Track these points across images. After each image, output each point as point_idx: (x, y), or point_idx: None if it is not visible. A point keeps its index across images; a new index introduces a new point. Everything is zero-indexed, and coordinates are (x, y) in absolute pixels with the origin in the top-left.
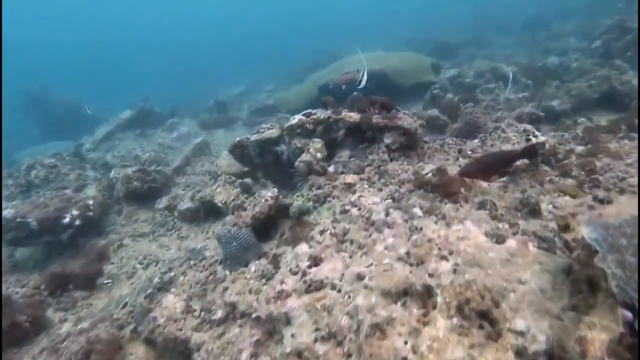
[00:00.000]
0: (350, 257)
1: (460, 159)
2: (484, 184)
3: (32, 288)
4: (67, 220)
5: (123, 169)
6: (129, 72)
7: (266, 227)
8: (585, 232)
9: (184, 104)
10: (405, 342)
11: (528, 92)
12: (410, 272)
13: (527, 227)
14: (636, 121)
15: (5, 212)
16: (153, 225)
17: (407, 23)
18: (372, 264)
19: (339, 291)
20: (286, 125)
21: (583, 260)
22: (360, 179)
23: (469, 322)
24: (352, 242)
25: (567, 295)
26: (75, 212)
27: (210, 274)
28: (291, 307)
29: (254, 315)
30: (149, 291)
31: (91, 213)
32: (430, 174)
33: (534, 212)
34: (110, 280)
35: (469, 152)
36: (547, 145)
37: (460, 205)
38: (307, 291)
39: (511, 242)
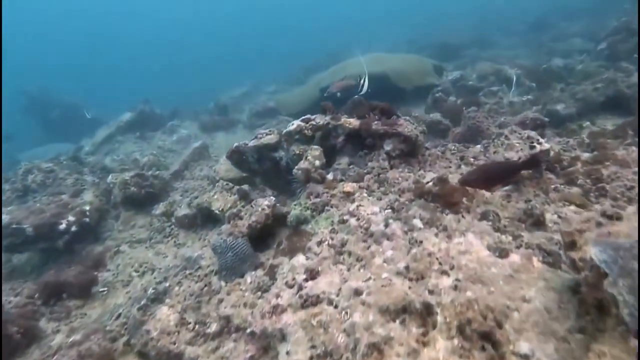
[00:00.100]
0: (348, 269)
1: (463, 166)
2: (487, 193)
3: (25, 297)
4: (63, 226)
5: (120, 174)
6: (129, 73)
7: (263, 235)
8: (593, 252)
9: (185, 105)
10: None
11: (532, 95)
12: (410, 287)
13: (531, 239)
14: None
15: None
16: (150, 232)
17: (409, 24)
18: (370, 278)
19: (336, 307)
20: (284, 131)
21: (591, 283)
22: (360, 187)
23: (470, 343)
24: (350, 254)
25: (574, 316)
26: (71, 218)
27: (205, 285)
28: (286, 322)
29: (248, 330)
30: (142, 302)
31: (87, 219)
32: (431, 183)
33: (538, 223)
34: (105, 289)
35: (472, 160)
36: (551, 153)
37: (462, 216)
38: (303, 306)
39: (515, 257)
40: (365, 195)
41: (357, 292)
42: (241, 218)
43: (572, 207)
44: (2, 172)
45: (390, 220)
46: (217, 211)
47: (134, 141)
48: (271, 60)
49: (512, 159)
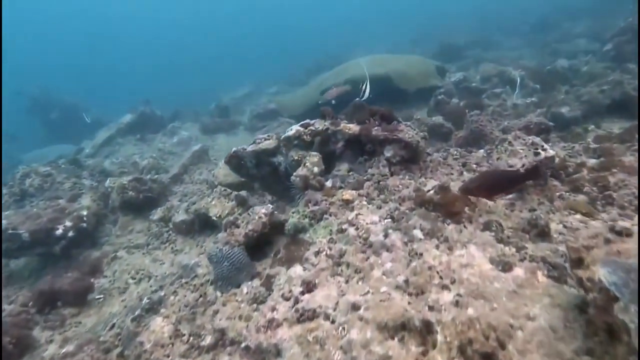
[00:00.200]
0: (346, 282)
1: (465, 173)
2: (490, 202)
3: (19, 305)
4: (60, 231)
5: (118, 178)
6: (130, 73)
7: (260, 244)
8: (602, 274)
9: (186, 106)
10: None
11: (536, 97)
12: (409, 303)
13: (535, 251)
14: None
15: None
16: (148, 237)
17: (411, 24)
18: (368, 292)
19: (333, 322)
20: (283, 136)
21: (600, 306)
22: (359, 195)
23: None
24: (348, 265)
25: (581, 336)
26: (68, 224)
27: (201, 296)
28: (282, 338)
29: (243, 345)
30: (136, 313)
31: (85, 224)
32: (432, 192)
33: (543, 234)
34: (101, 296)
35: (474, 166)
36: (556, 159)
37: (464, 226)
38: (299, 321)
39: (518, 271)
40: (364, 203)
41: (355, 307)
42: (238, 226)
43: (578, 216)
44: (2, 174)
45: (390, 231)
46: (214, 217)
47: (134, 143)
48: (273, 60)
49: (516, 165)
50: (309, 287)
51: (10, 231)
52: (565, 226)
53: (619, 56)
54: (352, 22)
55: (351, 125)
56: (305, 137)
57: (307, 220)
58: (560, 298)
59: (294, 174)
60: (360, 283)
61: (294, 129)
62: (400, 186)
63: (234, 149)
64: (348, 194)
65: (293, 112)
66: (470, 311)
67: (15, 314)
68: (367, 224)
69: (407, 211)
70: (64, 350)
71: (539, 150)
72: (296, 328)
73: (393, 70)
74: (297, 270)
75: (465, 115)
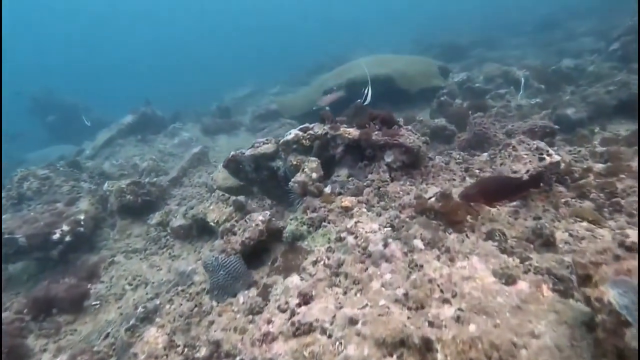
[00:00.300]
0: (344, 293)
1: (467, 178)
2: (493, 210)
3: (14, 312)
4: (57, 236)
5: (117, 182)
6: (132, 73)
7: (258, 251)
8: (612, 295)
9: (188, 106)
10: None
11: (541, 98)
12: (409, 318)
13: (540, 262)
14: None
15: None
16: (146, 241)
17: (414, 23)
18: (366, 305)
19: (330, 337)
20: (282, 140)
21: (610, 329)
22: (359, 202)
23: None
24: (346, 276)
25: (589, 356)
26: (65, 228)
27: (196, 305)
28: (277, 352)
29: (237, 358)
30: (131, 322)
31: (82, 229)
32: (433, 199)
33: (548, 243)
34: (98, 302)
35: (477, 171)
36: (562, 165)
37: (466, 236)
38: (295, 335)
39: (522, 284)
40: (364, 210)
41: (353, 321)
42: (235, 233)
43: (584, 224)
44: (2, 175)
45: (390, 240)
46: (212, 223)
47: (135, 144)
48: (275, 60)
49: (520, 171)
50: (305, 299)
51: (6, 236)
52: (571, 235)
53: (626, 56)
54: (355, 22)
55: (351, 130)
56: (304, 141)
57: (305, 227)
58: (566, 314)
59: (292, 180)
60: (358, 295)
61: (293, 133)
62: (401, 192)
63: (232, 152)
64: (347, 201)
65: (294, 112)
66: (472, 328)
67: (9, 321)
68: (366, 232)
69: (407, 219)
70: None
71: (544, 156)
72: (292, 342)
73: (395, 71)
74: (294, 280)
75: (468, 117)
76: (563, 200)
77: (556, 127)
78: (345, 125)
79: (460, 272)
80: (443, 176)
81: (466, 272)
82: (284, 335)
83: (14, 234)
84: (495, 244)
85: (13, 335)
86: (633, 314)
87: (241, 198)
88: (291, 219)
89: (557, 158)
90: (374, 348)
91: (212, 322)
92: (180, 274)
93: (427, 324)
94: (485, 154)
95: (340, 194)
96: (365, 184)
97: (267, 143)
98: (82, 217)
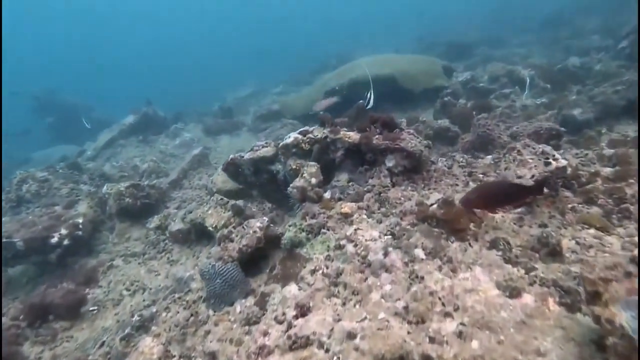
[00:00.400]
0: (343, 304)
1: (471, 183)
2: (497, 217)
3: (10, 318)
4: (55, 240)
5: (115, 184)
6: (135, 73)
7: (256, 258)
8: (625, 319)
9: (190, 106)
10: None
11: (546, 98)
12: (409, 333)
13: (546, 273)
14: None
15: None
16: (145, 245)
17: (419, 21)
18: (365, 318)
19: (327, 351)
20: (281, 144)
21: (622, 354)
22: (359, 208)
23: None
24: (345, 286)
25: None
26: (64, 231)
27: (192, 315)
28: None
29: None
30: (126, 331)
31: (80, 232)
32: (435, 206)
33: (554, 253)
34: (95, 308)
35: (480, 176)
36: (568, 169)
37: (469, 245)
38: (292, 348)
39: (527, 298)
40: (364, 217)
41: (351, 335)
42: (232, 240)
43: (592, 231)
44: (2, 175)
45: (390, 249)
46: (210, 228)
47: (137, 145)
48: (278, 60)
49: (525, 176)
50: (302, 310)
51: (4, 240)
52: (578, 243)
53: (635, 54)
54: (358, 21)
55: (351, 134)
56: (303, 145)
57: (304, 234)
58: (573, 330)
59: (291, 185)
60: (357, 307)
61: (292, 136)
62: (402, 198)
63: (231, 156)
64: (347, 207)
65: (296, 113)
66: (475, 345)
67: (5, 328)
68: (366, 240)
69: (408, 227)
70: None
71: (550, 160)
72: (288, 357)
73: (398, 71)
74: (292, 289)
75: (472, 118)
76: (570, 206)
77: (562, 129)
78: (345, 129)
79: (463, 284)
80: (446, 181)
81: (469, 283)
82: (280, 349)
83: (12, 238)
84: (499, 253)
85: (9, 342)
86: None
87: (240, 203)
88: (290, 225)
89: (563, 163)
90: None
91: (208, 332)
92: (178, 280)
93: (427, 339)
94: (490, 156)
95: (340, 199)
96: (365, 189)
97: (267, 146)
98: (80, 220)
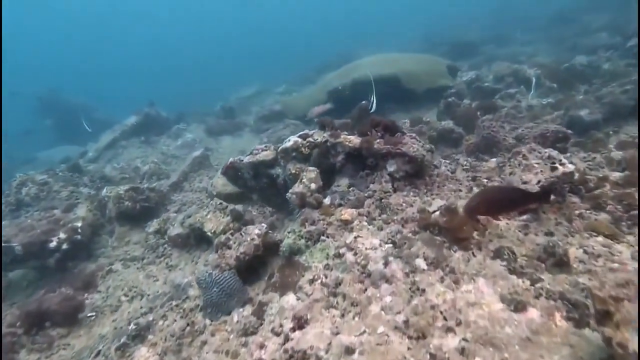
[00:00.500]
0: (342, 316)
1: (475, 188)
2: (501, 223)
3: (7, 325)
4: (53, 244)
5: (115, 188)
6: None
7: (254, 265)
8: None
9: (194, 106)
10: None
11: (553, 98)
12: (409, 348)
13: (553, 285)
14: None
15: None
16: (145, 249)
17: (423, 19)
18: (364, 332)
19: None
20: (280, 147)
21: None
22: (359, 215)
23: None
24: (344, 297)
25: None
26: (62, 236)
27: (188, 324)
28: None
29: None
30: (122, 340)
31: (79, 236)
32: (437, 213)
33: (561, 263)
34: (93, 314)
35: (485, 181)
36: (576, 175)
37: (472, 254)
38: None
39: (533, 312)
40: (364, 224)
41: (349, 350)
42: (229, 247)
43: (600, 239)
44: (2, 176)
45: (391, 258)
46: (209, 233)
47: (138, 146)
48: (281, 59)
49: (531, 182)
50: (300, 322)
51: (3, 244)
52: (586, 252)
53: None
54: (362, 19)
55: (352, 137)
56: (303, 149)
57: (303, 241)
58: (582, 348)
59: (290, 191)
60: (356, 319)
61: (292, 140)
62: (404, 204)
63: (230, 159)
64: (347, 214)
65: (298, 113)
66: None
67: (2, 335)
68: (366, 249)
69: (410, 235)
70: None
71: (556, 165)
72: None
73: (402, 70)
74: (290, 300)
75: (476, 119)
76: (577, 212)
77: (569, 131)
78: (346, 133)
79: (466, 297)
80: (449, 186)
81: (472, 296)
82: None
83: (10, 243)
84: (504, 263)
85: (5, 350)
86: None
87: (239, 207)
88: (288, 232)
89: (570, 168)
90: None
91: (204, 343)
92: (176, 287)
93: (428, 356)
94: (494, 159)
95: (340, 205)
96: (366, 194)
97: (266, 150)
98: (79, 224)
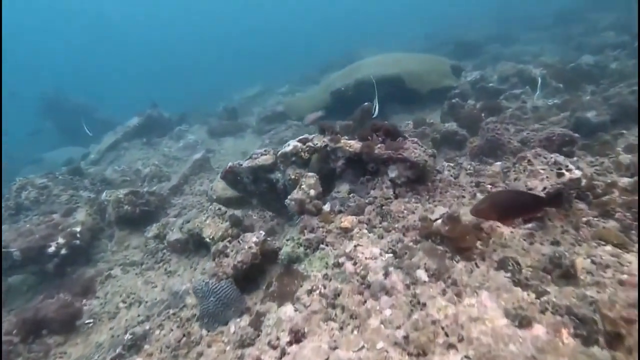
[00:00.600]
0: (340, 329)
1: (478, 194)
2: (505, 231)
3: (4, 333)
4: (52, 249)
5: (115, 191)
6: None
7: (252, 273)
8: None
9: (196, 106)
10: None
11: (559, 99)
12: None
13: (559, 299)
14: None
15: None
16: (144, 254)
17: (427, 18)
18: (363, 347)
19: None
20: (280, 152)
21: None
22: (359, 222)
23: None
24: (343, 309)
25: None
26: (61, 241)
27: (184, 335)
28: None
29: None
30: (117, 351)
31: (78, 241)
32: (440, 221)
33: (568, 275)
34: (91, 321)
35: (489, 187)
36: (583, 181)
37: (476, 265)
38: None
39: (539, 328)
40: (365, 231)
41: None
42: (227, 255)
43: (609, 248)
44: (2, 176)
45: (391, 269)
46: (207, 239)
47: (140, 147)
48: (285, 59)
49: (536, 188)
50: (297, 336)
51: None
52: (593, 262)
53: None
54: (366, 19)
55: (352, 142)
56: (303, 154)
57: (302, 249)
58: None
59: (289, 197)
60: (355, 333)
61: (292, 144)
62: (405, 212)
63: (229, 164)
64: (347, 221)
65: (300, 114)
66: None
67: None
68: (366, 258)
69: (411, 244)
70: None
71: (563, 171)
72: None
73: (405, 71)
74: (287, 311)
75: (481, 121)
76: (584, 219)
77: (576, 135)
78: (346, 137)
79: (468, 312)
80: (451, 192)
81: (475, 311)
82: None
83: (9, 248)
84: (508, 275)
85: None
86: None
87: (238, 213)
88: (287, 240)
89: (577, 174)
90: None
91: (200, 354)
92: (174, 295)
93: None
94: (498, 163)
95: (340, 212)
96: (367, 201)
97: (265, 154)
98: (78, 229)
